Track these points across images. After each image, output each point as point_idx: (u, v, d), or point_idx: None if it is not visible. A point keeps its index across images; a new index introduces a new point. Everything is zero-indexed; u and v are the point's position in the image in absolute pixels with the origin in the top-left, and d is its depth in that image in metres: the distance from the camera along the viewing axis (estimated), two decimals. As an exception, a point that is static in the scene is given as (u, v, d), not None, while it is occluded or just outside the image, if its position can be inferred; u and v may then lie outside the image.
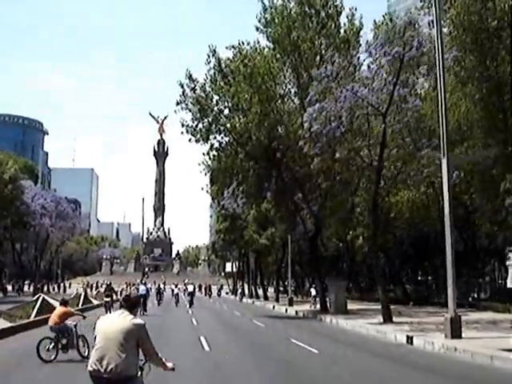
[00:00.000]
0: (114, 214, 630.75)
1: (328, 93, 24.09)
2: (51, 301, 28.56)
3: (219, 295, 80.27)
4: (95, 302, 39.73)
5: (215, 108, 34.70)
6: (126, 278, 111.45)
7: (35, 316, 23.18)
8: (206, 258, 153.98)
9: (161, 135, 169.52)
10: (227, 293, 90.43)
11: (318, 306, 38.32)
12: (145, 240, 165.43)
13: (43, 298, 26.59)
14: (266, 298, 57.30)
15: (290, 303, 42.81)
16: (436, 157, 26.20)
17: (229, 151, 35.35)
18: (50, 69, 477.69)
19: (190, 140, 35.09)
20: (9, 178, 52.61)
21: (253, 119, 32.15)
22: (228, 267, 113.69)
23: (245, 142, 34.70)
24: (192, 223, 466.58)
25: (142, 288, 37.34)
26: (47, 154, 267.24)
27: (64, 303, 15.32)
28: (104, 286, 68.40)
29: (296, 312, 36.73)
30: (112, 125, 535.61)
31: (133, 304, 5.85)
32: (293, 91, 34.27)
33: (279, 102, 33.11)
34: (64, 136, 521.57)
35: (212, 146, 35.50)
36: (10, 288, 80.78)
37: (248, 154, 34.99)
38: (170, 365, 5.96)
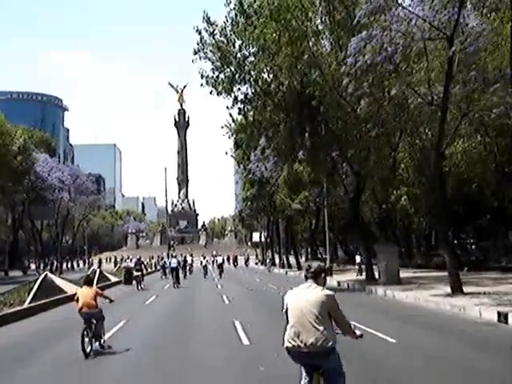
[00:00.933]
0: (139, 188, 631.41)
1: (379, 14, 19.32)
2: (58, 281, 24.86)
3: (247, 265, 77.06)
4: (113, 279, 35.99)
5: (238, 54, 30.09)
6: (153, 252, 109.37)
7: (30, 302, 19.25)
8: (233, 229, 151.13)
9: (181, 105, 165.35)
10: (256, 263, 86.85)
11: (362, 276, 34.24)
12: (169, 212, 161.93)
13: (46, 278, 22.71)
14: (299, 267, 53.14)
15: (330, 273, 38.49)
16: (509, 92, 21.51)
17: (255, 103, 30.78)
18: (64, 45, 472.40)
19: (210, 92, 30.66)
20: (18, 149, 48.71)
21: (282, 63, 27.45)
22: (255, 237, 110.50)
23: (274, 90, 30.14)
24: (217, 194, 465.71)
25: (173, 261, 37.28)
26: (68, 130, 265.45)
27: (89, 282, 12.76)
28: (129, 260, 65.26)
29: (338, 283, 32.50)
30: (131, 99, 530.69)
31: (317, 273, 5.68)
32: (327, 29, 29.23)
33: (313, 40, 28.26)
34: (84, 112, 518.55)
35: (236, 98, 30.96)
36: (33, 266, 78.23)
37: (278, 105, 30.45)
38: (358, 332, 5.78)
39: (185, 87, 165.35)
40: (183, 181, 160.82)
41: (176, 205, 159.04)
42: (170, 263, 39.44)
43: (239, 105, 30.68)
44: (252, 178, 53.17)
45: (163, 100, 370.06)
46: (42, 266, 67.96)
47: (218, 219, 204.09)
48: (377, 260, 29.10)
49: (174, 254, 47.23)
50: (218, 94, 30.75)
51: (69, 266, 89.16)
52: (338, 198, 43.08)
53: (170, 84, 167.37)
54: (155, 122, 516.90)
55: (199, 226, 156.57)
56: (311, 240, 50.17)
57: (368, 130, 27.70)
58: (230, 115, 57.20)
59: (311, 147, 31.88)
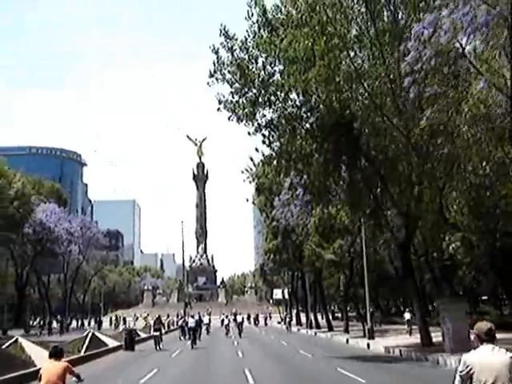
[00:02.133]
0: (158, 244, 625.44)
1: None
2: (34, 348, 19.35)
3: (266, 324, 71.41)
4: (110, 343, 29.96)
5: (262, 72, 25.28)
6: (169, 310, 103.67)
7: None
8: (253, 285, 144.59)
9: (200, 158, 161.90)
10: (279, 322, 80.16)
11: (411, 337, 28.19)
12: (187, 268, 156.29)
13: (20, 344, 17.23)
14: (330, 327, 46.90)
15: (371, 335, 32.36)
16: None
17: (283, 129, 25.64)
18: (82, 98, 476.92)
19: (229, 118, 25.74)
20: (15, 193, 43.82)
21: (317, 76, 22.37)
22: (277, 294, 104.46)
23: (305, 114, 25.16)
24: (236, 249, 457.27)
25: (191, 321, 36.75)
26: (86, 185, 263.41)
27: (57, 354, 9.46)
28: (144, 317, 60.06)
29: (386, 349, 26.42)
30: (150, 153, 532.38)
31: (495, 334, 5.68)
32: (367, 37, 24.06)
33: (354, 47, 23.24)
34: (103, 168, 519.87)
35: (260, 126, 25.92)
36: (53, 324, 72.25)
37: (310, 131, 25.34)
38: None
39: (203, 140, 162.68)
40: (202, 235, 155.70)
41: (194, 260, 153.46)
42: (187, 323, 38.33)
43: (263, 131, 25.55)
44: (276, 226, 47.71)
45: (182, 153, 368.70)
46: (47, 324, 62.27)
47: (238, 276, 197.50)
48: (441, 320, 23.05)
49: (192, 314, 43.54)
50: (239, 120, 25.81)
51: (78, 324, 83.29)
52: (379, 246, 37.45)
53: (188, 137, 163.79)
54: (174, 175, 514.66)
55: (218, 283, 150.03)
56: (345, 296, 43.86)
57: (426, 157, 22.22)
58: (251, 159, 52.60)
59: (350, 183, 26.55)
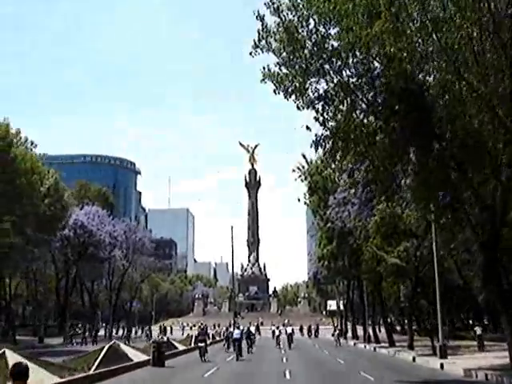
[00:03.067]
0: (212, 254, 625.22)
1: None
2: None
3: (316, 336, 68.21)
4: (136, 358, 25.58)
5: (313, 36, 20.99)
6: (220, 319, 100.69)
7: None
8: (306, 296, 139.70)
9: (252, 165, 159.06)
10: (333, 334, 75.21)
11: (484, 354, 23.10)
12: (239, 277, 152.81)
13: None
14: (391, 342, 41.85)
15: (443, 353, 27.31)
16: None
17: (339, 103, 21.16)
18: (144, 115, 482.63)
19: (275, 91, 21.48)
20: (47, 190, 40.77)
21: (382, 28, 17.89)
22: (332, 305, 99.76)
23: (366, 83, 20.69)
24: (289, 258, 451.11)
25: (236, 332, 35.18)
26: (140, 193, 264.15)
27: (20, 374, 5.98)
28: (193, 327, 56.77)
29: (466, 371, 21.48)
30: (204, 166, 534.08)
31: None
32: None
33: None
34: (159, 179, 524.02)
35: (311, 101, 21.51)
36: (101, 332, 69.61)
37: (372, 105, 20.87)
38: None
39: (256, 147, 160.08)
40: (254, 243, 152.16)
41: (246, 269, 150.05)
42: (232, 334, 36.27)
43: (316, 105, 21.15)
44: (331, 228, 43.12)
45: (234, 161, 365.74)
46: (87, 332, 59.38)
47: (291, 285, 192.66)
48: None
49: (238, 325, 40.51)
50: (287, 94, 21.53)
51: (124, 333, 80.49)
52: (451, 250, 32.40)
53: (240, 144, 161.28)
54: (227, 184, 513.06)
55: (270, 293, 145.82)
56: (410, 307, 38.43)
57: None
58: (304, 156, 48.36)
59: (420, 169, 21.83)
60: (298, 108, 21.55)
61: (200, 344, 31.85)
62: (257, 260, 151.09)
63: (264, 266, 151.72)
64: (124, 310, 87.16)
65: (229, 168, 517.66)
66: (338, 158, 22.15)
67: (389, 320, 63.85)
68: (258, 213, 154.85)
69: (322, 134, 21.68)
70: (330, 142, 21.52)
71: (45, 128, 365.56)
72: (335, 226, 41.61)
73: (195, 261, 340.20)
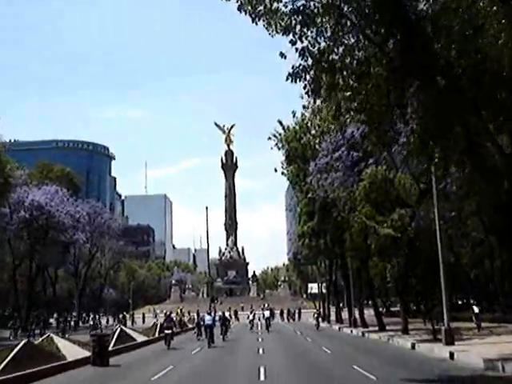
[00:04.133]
0: (191, 240, 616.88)
1: None
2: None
3: (294, 319, 68.20)
4: (74, 355, 20.19)
5: None
6: (198, 305, 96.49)
7: None
8: (286, 279, 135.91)
9: (228, 146, 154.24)
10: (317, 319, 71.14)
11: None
12: (217, 262, 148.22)
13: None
14: (381, 326, 37.51)
15: (448, 339, 22.86)
16: None
17: (320, 23, 16.28)
18: (115, 98, 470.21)
19: (240, 9, 16.54)
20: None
21: None
22: (313, 288, 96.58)
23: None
24: (268, 242, 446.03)
25: (207, 318, 33.51)
26: (115, 179, 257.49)
27: None
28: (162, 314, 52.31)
29: (487, 362, 16.97)
30: (179, 146, 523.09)
31: None
32: None
33: None
34: (133, 163, 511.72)
35: (287, 27, 16.56)
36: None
37: (362, 23, 16.10)
38: None
39: (232, 127, 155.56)
40: (231, 227, 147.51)
41: (224, 253, 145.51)
42: (204, 320, 34.64)
43: (293, 26, 16.23)
44: (311, 200, 38.46)
45: (211, 144, 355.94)
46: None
47: (271, 269, 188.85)
48: None
49: (209, 311, 38.75)
50: (255, 17, 16.66)
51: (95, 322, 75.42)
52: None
53: (216, 124, 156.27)
54: (204, 167, 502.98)
55: (249, 277, 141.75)
56: (404, 287, 33.06)
57: None
58: (280, 123, 43.52)
59: (426, 106, 17.11)
60: (271, 35, 16.67)
61: (167, 331, 30.96)
62: (235, 244, 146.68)
63: (242, 250, 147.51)
64: (98, 298, 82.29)
65: (205, 152, 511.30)
66: (322, 94, 17.22)
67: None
68: (235, 195, 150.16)
69: (301, 65, 16.82)
70: (312, 73, 16.64)
71: (16, 115, 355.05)
72: (316, 197, 36.90)
73: (174, 247, 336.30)
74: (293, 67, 17.01)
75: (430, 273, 25.91)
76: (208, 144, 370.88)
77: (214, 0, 19.20)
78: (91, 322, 55.10)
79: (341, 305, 60.50)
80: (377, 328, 37.84)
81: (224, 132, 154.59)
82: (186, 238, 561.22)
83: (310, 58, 16.65)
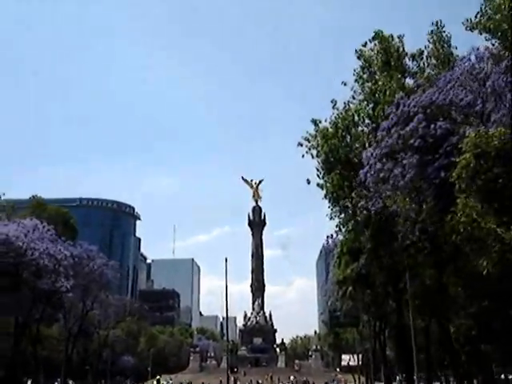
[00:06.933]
0: (219, 308, 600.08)
1: None
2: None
3: None
4: None
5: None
6: (219, 375, 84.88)
7: None
8: (318, 348, 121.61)
9: (256, 202, 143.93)
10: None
11: None
12: (241, 327, 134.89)
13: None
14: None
15: None
16: None
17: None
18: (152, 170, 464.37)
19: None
20: None
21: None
22: (347, 360, 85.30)
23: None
24: (297, 311, 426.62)
25: None
26: (139, 239, 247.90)
27: None
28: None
29: None
30: (211, 217, 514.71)
31: None
32: None
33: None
34: (161, 226, 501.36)
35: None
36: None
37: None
38: None
39: (260, 182, 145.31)
40: (258, 289, 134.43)
41: (249, 318, 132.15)
42: None
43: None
44: (363, 220, 26.29)
45: (240, 209, 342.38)
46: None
47: (301, 338, 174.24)
48: None
49: None
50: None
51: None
52: None
53: (243, 179, 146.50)
54: (233, 235, 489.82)
55: (277, 345, 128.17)
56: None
57: None
58: (315, 123, 31.88)
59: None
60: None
61: None
62: (262, 308, 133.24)
63: (270, 315, 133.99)
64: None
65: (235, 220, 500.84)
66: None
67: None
68: (263, 255, 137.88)
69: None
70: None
71: (36, 175, 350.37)
72: (372, 213, 24.65)
73: (201, 314, 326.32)
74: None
75: None
76: (239, 211, 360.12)
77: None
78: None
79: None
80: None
81: (252, 187, 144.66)
82: (214, 307, 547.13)
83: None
